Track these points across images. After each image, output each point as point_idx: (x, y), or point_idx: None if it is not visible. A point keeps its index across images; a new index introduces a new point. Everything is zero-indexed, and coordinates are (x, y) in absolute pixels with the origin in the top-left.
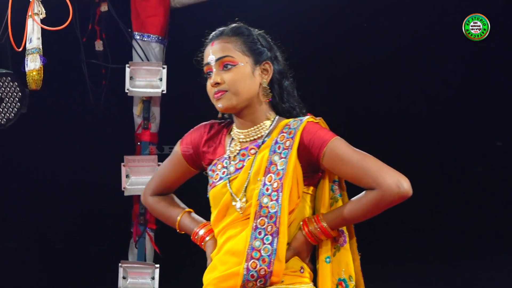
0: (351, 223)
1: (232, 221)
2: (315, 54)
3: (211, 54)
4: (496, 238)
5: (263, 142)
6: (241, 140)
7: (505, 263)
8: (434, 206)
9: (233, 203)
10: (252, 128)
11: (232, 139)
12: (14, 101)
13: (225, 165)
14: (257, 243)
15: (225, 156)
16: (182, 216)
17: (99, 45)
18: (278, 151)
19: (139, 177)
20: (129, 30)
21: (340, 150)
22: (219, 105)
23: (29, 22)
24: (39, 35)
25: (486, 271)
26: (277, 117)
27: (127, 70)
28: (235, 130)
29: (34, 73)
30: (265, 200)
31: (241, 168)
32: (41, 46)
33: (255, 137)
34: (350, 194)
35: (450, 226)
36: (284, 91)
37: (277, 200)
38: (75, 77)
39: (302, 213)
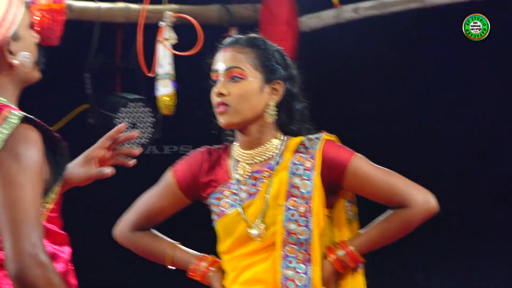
0: (379, 246)
1: (252, 250)
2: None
3: (221, 61)
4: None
5: (277, 163)
6: (248, 162)
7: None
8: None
9: (249, 230)
10: (259, 148)
11: (237, 161)
12: (147, 126)
13: (234, 191)
14: (290, 273)
15: (232, 181)
16: (174, 251)
17: None
18: (298, 172)
19: None
20: None
21: (363, 169)
22: (221, 120)
23: (160, 47)
24: (171, 61)
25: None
26: (285, 136)
27: None
28: (239, 151)
29: (166, 98)
30: (292, 226)
31: (255, 193)
32: (172, 72)
33: (265, 157)
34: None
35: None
36: (294, 114)
37: (306, 225)
38: (205, 101)
39: (324, 238)
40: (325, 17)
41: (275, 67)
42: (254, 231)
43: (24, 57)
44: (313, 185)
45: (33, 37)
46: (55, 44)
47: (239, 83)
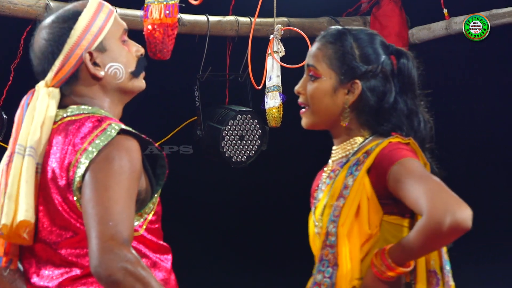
0: (412, 258)
1: (317, 252)
2: None
3: (308, 55)
4: None
5: (347, 162)
6: (333, 159)
7: None
8: None
9: (315, 230)
10: (342, 145)
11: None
12: (254, 139)
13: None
14: (319, 277)
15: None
16: None
17: None
18: (355, 172)
19: None
20: None
21: (405, 172)
22: (302, 122)
23: (269, 60)
24: (279, 73)
25: None
26: (373, 136)
27: None
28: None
29: (274, 110)
30: (330, 227)
31: (324, 191)
32: (280, 84)
33: (343, 155)
34: None
35: None
36: (381, 112)
37: (335, 226)
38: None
39: (381, 245)
40: (435, 29)
41: (353, 65)
42: (316, 229)
43: (113, 68)
44: (352, 185)
45: (124, 48)
46: (167, 58)
47: (314, 82)
